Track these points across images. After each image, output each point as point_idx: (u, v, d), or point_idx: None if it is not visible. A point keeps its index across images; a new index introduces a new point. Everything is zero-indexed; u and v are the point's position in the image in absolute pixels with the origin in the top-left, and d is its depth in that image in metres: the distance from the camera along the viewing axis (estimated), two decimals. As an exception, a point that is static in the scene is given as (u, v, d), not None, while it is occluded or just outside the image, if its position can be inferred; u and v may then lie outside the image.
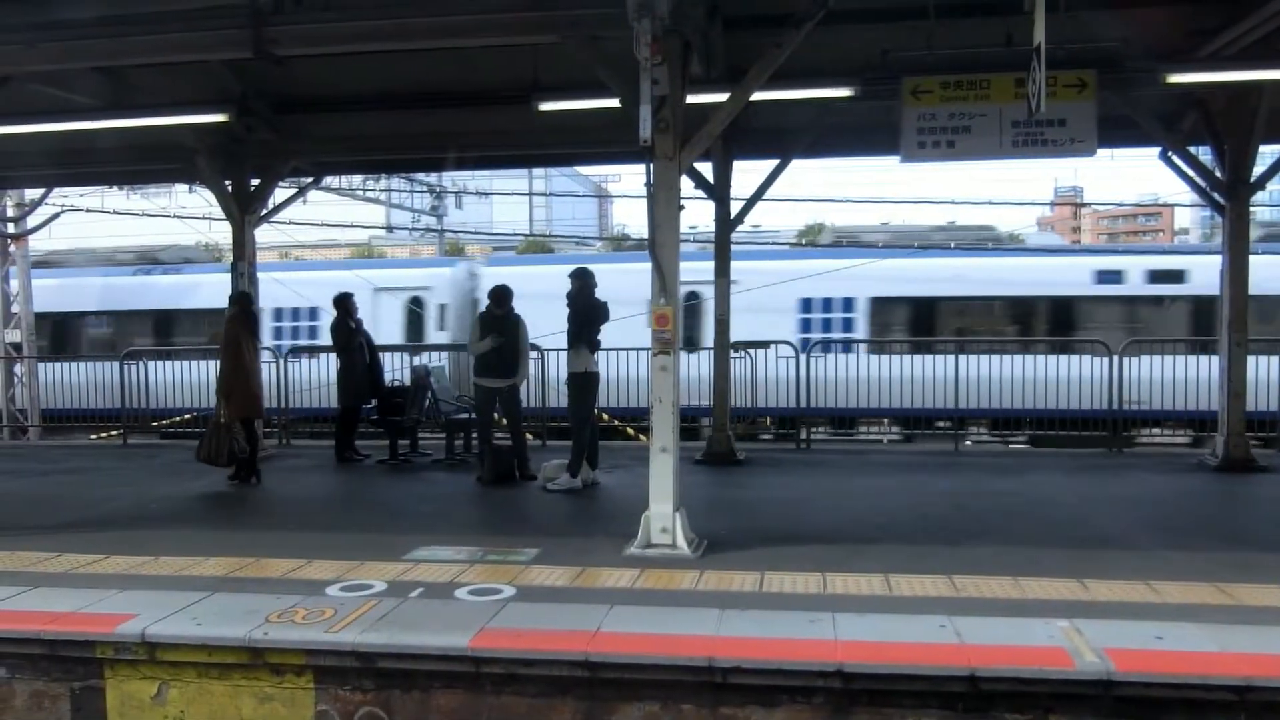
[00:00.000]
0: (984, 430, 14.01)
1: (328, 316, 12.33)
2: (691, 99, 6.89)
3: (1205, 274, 12.93)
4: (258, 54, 7.08)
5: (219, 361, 9.36)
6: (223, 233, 12.26)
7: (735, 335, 10.81)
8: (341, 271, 17.54)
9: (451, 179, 26.27)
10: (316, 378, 12.86)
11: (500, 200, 32.78)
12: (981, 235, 18.00)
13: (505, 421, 9.70)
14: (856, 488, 9.05)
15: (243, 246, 10.93)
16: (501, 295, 9.31)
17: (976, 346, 13.36)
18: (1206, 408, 11.11)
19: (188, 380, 14.08)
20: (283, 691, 4.97)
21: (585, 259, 16.02)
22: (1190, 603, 5.25)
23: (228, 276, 11.25)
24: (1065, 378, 12.66)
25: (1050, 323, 15.13)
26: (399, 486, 9.57)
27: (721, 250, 10.39)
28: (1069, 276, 15.28)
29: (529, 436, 10.17)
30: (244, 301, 9.68)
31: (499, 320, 9.19)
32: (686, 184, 8.30)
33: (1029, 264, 15.98)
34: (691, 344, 14.12)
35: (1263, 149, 9.55)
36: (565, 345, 8.92)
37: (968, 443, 12.19)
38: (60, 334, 17.91)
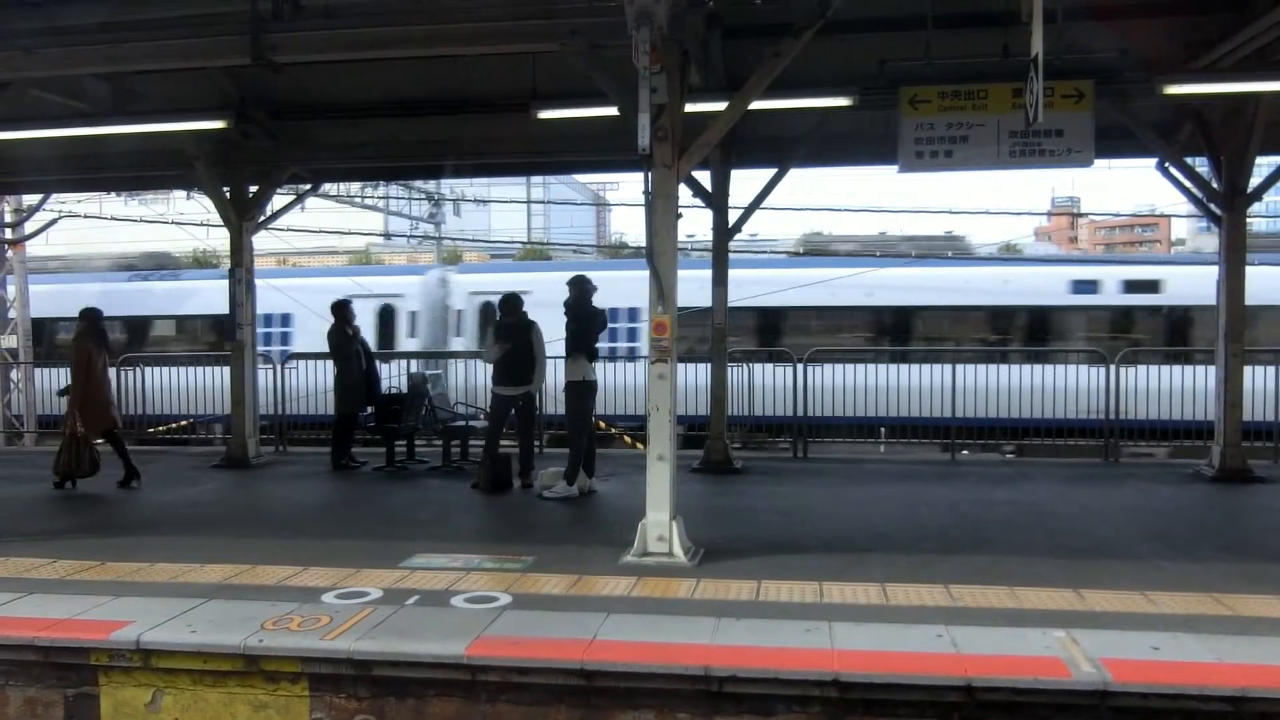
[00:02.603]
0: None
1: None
2: (690, 108, 6.92)
3: None
4: (257, 61, 7.08)
5: (70, 376, 9.44)
6: (220, 239, 12.25)
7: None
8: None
9: (450, 186, 26.32)
10: (313, 384, 12.83)
11: (498, 208, 32.78)
12: None
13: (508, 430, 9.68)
14: (853, 497, 9.05)
15: (240, 253, 10.93)
16: (511, 304, 9.30)
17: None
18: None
19: (186, 385, 14.05)
20: (277, 699, 4.96)
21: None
22: (1187, 613, 5.25)
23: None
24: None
25: None
26: (395, 494, 9.55)
27: (719, 258, 10.40)
28: None
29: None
30: (93, 317, 9.64)
31: (509, 328, 9.18)
32: (685, 192, 8.33)
33: None
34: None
35: (1259, 160, 9.59)
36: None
37: (964, 452, 12.17)
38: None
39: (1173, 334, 15.11)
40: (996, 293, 15.45)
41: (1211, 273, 9.93)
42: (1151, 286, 15.09)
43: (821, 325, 16.02)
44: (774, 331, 15.61)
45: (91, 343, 9.39)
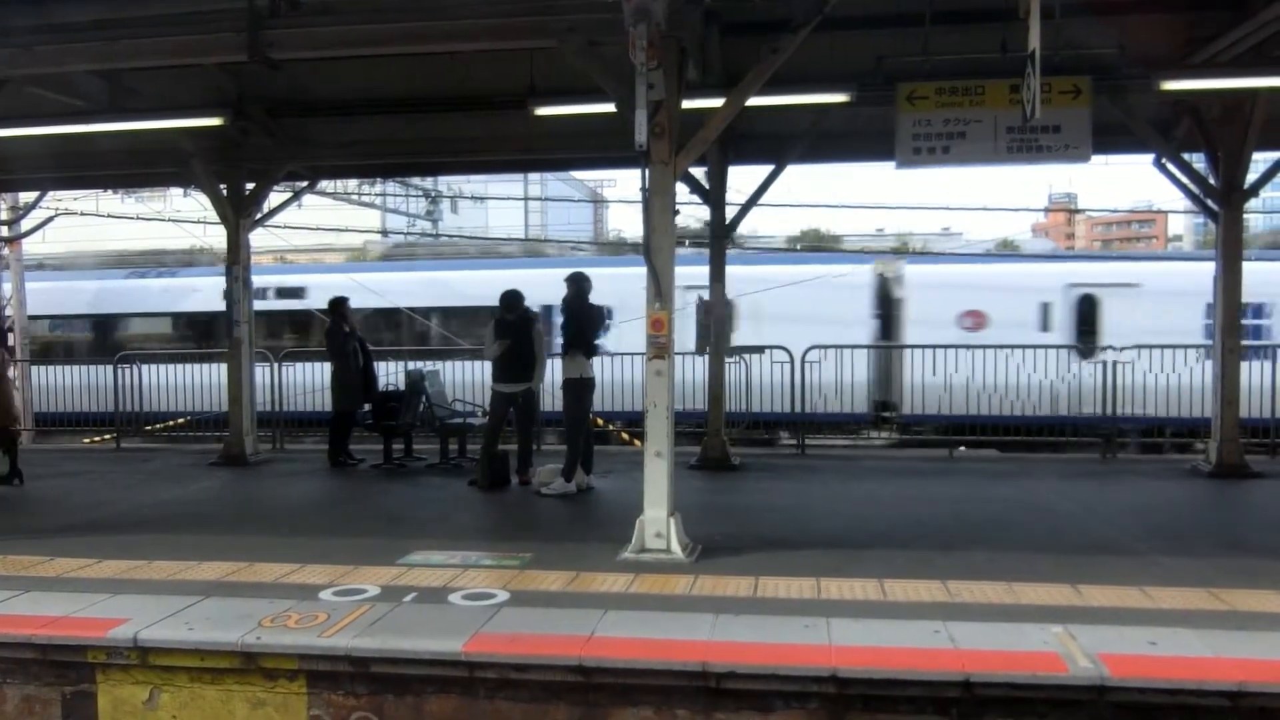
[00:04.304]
0: None
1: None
2: (687, 104, 6.90)
3: None
4: (254, 58, 7.06)
5: None
6: (217, 236, 12.21)
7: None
8: None
9: (447, 183, 26.28)
10: (310, 382, 12.82)
11: (495, 205, 32.74)
12: None
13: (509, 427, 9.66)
14: (851, 493, 9.06)
15: (237, 250, 10.92)
16: (512, 301, 9.28)
17: None
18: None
19: (182, 383, 14.05)
20: (275, 696, 4.95)
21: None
22: (1184, 608, 5.26)
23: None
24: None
25: None
26: (393, 491, 9.55)
27: (717, 255, 10.40)
28: None
29: None
30: None
31: (509, 325, 9.15)
32: (682, 189, 8.32)
33: None
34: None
35: (1256, 156, 9.60)
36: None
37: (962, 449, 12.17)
38: None
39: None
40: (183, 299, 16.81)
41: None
42: (298, 293, 16.20)
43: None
44: None
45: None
